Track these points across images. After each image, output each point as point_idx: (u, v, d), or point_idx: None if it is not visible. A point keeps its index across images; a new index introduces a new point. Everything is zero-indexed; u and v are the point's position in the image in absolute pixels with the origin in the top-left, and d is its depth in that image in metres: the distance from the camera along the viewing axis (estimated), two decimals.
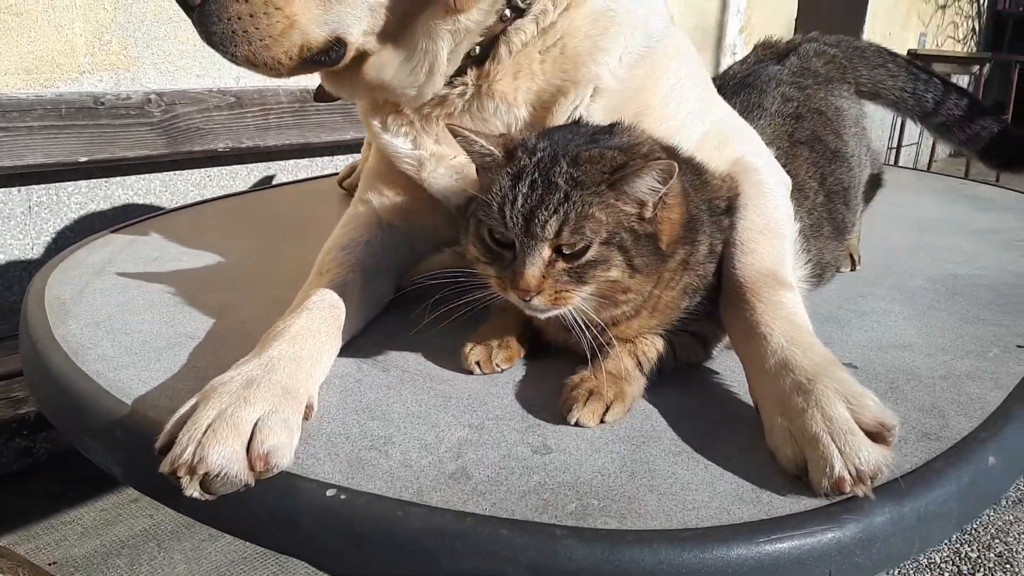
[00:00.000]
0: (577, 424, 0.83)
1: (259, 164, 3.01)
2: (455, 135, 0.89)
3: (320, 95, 1.21)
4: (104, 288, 1.20)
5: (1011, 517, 2.35)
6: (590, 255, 0.82)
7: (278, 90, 2.91)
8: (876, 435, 0.74)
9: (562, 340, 0.95)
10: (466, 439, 0.81)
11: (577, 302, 0.84)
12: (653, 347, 0.91)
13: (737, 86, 1.34)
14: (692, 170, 0.99)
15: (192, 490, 0.69)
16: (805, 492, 0.73)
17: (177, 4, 0.92)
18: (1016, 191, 2.08)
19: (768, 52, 1.50)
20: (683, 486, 0.75)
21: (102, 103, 2.50)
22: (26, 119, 2.35)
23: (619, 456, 0.79)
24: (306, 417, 0.81)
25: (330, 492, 0.72)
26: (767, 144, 1.18)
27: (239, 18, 0.90)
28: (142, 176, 2.72)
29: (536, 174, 0.83)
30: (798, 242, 1.08)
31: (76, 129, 2.45)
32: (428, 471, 0.76)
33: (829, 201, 1.20)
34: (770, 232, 1.00)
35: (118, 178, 2.67)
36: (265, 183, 3.00)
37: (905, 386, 0.95)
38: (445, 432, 0.82)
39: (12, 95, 2.33)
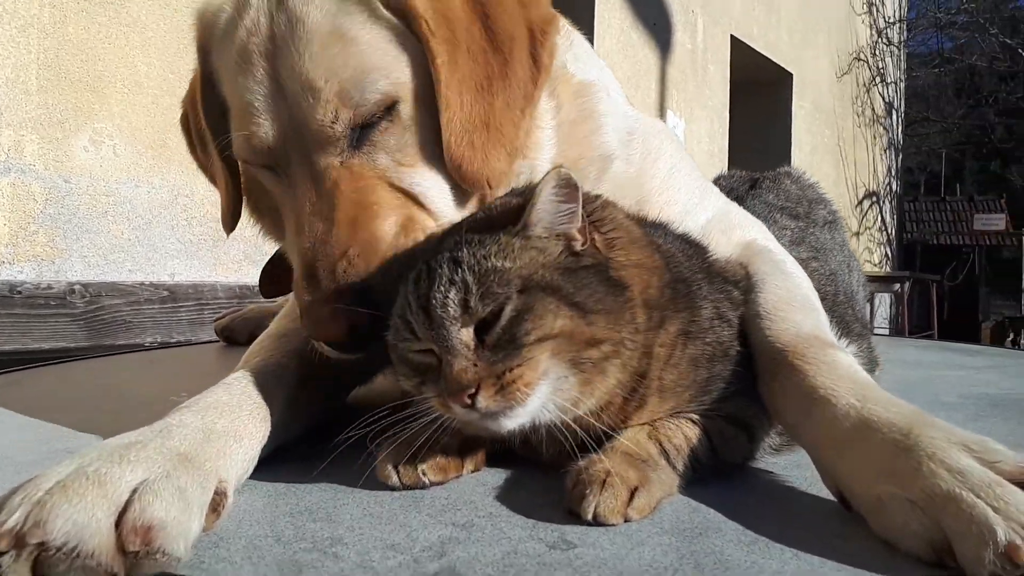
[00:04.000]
0: (596, 519, 0.59)
1: None
2: None
3: (268, 291, 1.09)
4: None
5: None
6: (509, 310, 0.61)
7: (215, 285, 2.76)
8: None
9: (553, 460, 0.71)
10: (451, 537, 0.57)
11: (537, 384, 0.61)
12: (679, 431, 0.69)
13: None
14: (680, 239, 0.85)
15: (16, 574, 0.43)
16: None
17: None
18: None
19: (736, 180, 1.42)
20: (773, 575, 0.51)
21: (19, 292, 2.29)
22: None
23: (672, 548, 0.55)
24: (215, 510, 0.57)
25: None
26: None
27: None
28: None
29: (422, 264, 0.66)
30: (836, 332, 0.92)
31: None
32: (399, 571, 0.51)
33: (848, 302, 1.06)
34: (798, 304, 0.84)
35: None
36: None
37: None
38: (419, 532, 0.58)
39: None
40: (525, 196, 0.67)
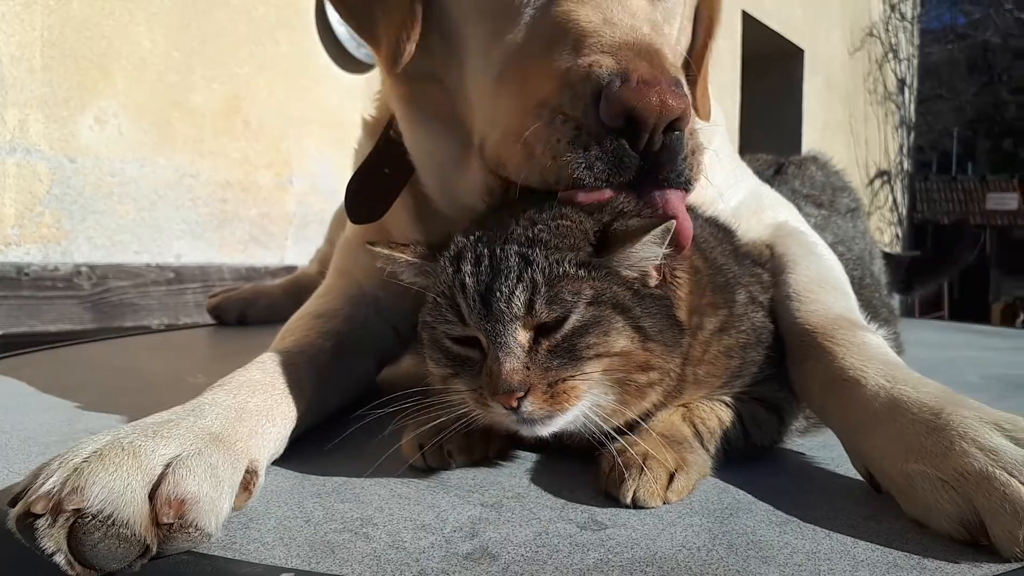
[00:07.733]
0: (635, 503, 0.58)
1: None
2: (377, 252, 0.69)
3: (363, 214, 0.91)
4: None
5: None
6: (574, 319, 0.59)
7: (221, 266, 2.75)
8: None
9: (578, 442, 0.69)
10: (481, 517, 0.57)
11: (584, 394, 0.59)
12: (713, 415, 0.69)
13: None
14: (710, 223, 0.84)
15: (52, 542, 0.43)
16: (989, 557, 0.50)
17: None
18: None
19: (761, 164, 1.41)
20: (808, 556, 0.51)
21: (26, 274, 2.28)
22: None
23: (704, 529, 0.55)
24: (246, 489, 0.56)
25: None
26: None
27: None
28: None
29: (481, 249, 0.63)
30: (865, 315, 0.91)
31: None
32: (432, 552, 0.50)
33: (874, 286, 1.06)
34: (829, 285, 0.83)
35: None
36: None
37: None
38: (449, 512, 0.58)
39: None
40: (614, 217, 0.64)
